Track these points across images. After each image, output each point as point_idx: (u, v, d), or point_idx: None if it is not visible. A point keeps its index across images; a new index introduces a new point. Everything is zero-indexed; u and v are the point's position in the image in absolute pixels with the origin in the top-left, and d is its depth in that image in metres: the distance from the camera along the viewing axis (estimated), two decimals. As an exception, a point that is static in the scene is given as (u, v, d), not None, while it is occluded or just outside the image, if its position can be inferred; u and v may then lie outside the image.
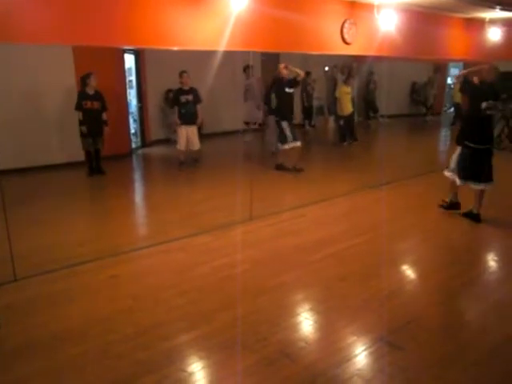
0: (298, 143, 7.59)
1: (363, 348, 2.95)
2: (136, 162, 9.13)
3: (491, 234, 5.14)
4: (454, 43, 7.98)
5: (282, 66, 7.59)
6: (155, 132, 10.41)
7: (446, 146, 10.76)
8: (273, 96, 7.88)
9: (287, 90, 7.50)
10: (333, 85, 12.03)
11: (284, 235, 4.94)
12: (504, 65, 9.52)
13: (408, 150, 10.56)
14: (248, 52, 6.17)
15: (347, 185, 6.95)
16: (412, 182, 7.10)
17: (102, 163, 7.66)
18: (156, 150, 9.96)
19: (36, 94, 7.69)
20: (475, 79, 5.22)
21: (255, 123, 10.18)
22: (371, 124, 13.48)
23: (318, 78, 12.47)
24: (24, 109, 7.52)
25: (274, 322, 3.22)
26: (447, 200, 5.58)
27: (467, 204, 5.34)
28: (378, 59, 10.57)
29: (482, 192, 5.17)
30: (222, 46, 4.72)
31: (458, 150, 5.28)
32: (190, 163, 8.13)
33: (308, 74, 10.47)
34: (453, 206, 5.52)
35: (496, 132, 9.47)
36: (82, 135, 7.36)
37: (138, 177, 8.40)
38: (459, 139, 5.28)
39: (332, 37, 5.99)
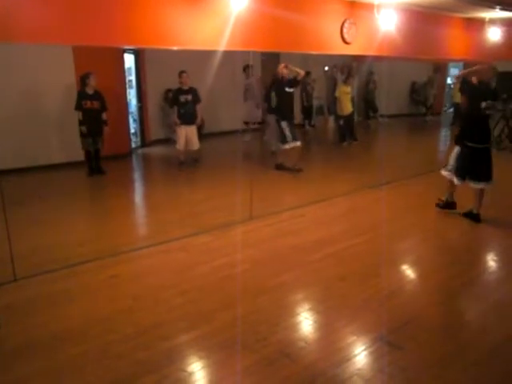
0: (298, 143, 7.59)
1: (363, 348, 2.95)
2: (136, 162, 9.13)
3: (491, 234, 5.14)
4: (453, 43, 7.98)
5: (282, 65, 7.59)
6: (155, 132, 10.41)
7: (445, 146, 10.75)
8: (273, 95, 7.88)
9: (287, 89, 7.50)
10: (332, 84, 12.04)
11: (284, 235, 4.94)
12: (504, 65, 9.53)
13: (408, 150, 10.57)
14: (248, 52, 6.17)
15: (347, 185, 6.95)
16: (412, 182, 7.10)
17: (101, 163, 7.66)
18: (156, 150, 9.96)
19: (36, 94, 7.69)
20: (474, 79, 5.24)
21: (254, 123, 10.18)
22: (371, 124, 13.48)
23: (318, 78, 12.48)
24: (24, 108, 7.52)
25: (274, 322, 3.22)
26: (443, 199, 5.57)
27: (467, 204, 5.34)
28: (377, 59, 10.57)
29: (481, 192, 5.17)
30: (222, 46, 4.72)
31: (456, 149, 5.28)
32: (189, 163, 8.13)
33: (308, 73, 10.47)
34: (449, 205, 5.52)
35: (496, 132, 9.49)
36: (82, 135, 7.36)
37: (137, 177, 8.40)
38: (458, 139, 5.29)
39: (332, 36, 5.99)
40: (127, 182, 7.67)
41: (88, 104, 7.23)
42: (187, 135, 7.85)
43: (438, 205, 5.62)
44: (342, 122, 10.50)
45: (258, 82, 10.23)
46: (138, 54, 9.68)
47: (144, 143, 10.10)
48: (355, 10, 6.09)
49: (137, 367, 2.76)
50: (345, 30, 6.01)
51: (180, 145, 7.89)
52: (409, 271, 4.34)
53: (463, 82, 5.41)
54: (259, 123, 10.37)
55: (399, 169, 7.76)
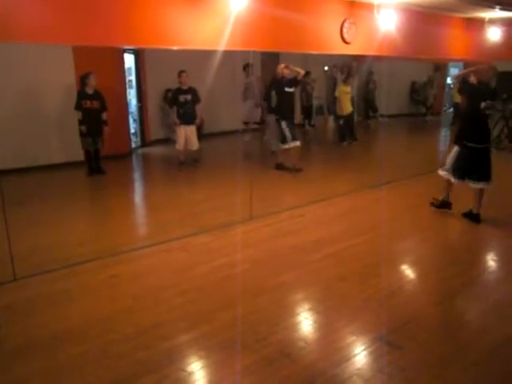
0: (298, 143, 7.59)
1: (363, 348, 2.95)
2: (136, 162, 9.13)
3: (491, 234, 5.14)
4: (453, 43, 7.98)
5: (282, 65, 7.57)
6: (155, 132, 10.41)
7: (445, 146, 10.75)
8: (273, 94, 7.88)
9: (287, 89, 7.50)
10: (332, 84, 12.04)
11: (284, 235, 4.94)
12: (504, 65, 9.53)
13: (408, 150, 10.56)
14: (248, 51, 6.17)
15: (347, 184, 6.95)
16: (412, 182, 7.10)
17: (101, 163, 7.66)
18: (156, 150, 9.95)
19: (36, 94, 7.69)
20: (473, 79, 5.25)
21: (254, 123, 10.18)
22: (371, 124, 13.48)
23: (318, 78, 12.48)
24: (24, 108, 7.52)
25: (274, 322, 3.23)
26: (440, 198, 5.56)
27: (466, 204, 5.34)
28: (377, 59, 10.57)
29: (481, 191, 5.17)
30: (222, 46, 4.72)
31: (455, 149, 5.27)
32: (189, 163, 8.13)
33: (308, 73, 10.47)
34: (444, 205, 5.52)
35: (496, 132, 9.49)
36: (82, 135, 7.36)
37: (137, 176, 8.40)
38: (457, 138, 5.29)
39: (332, 36, 5.99)
40: (127, 181, 7.67)
41: (88, 104, 7.22)
42: (186, 135, 7.85)
43: (432, 204, 5.61)
44: (341, 122, 10.50)
45: (257, 80, 10.23)
46: (138, 54, 9.67)
47: (144, 143, 10.10)
48: (355, 9, 6.09)
49: (137, 367, 2.76)
50: (345, 30, 6.01)
51: (179, 145, 7.89)
52: (409, 271, 4.34)
53: (462, 82, 5.43)
54: (258, 123, 10.36)
55: (399, 169, 7.76)
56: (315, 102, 12.45)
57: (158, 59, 9.38)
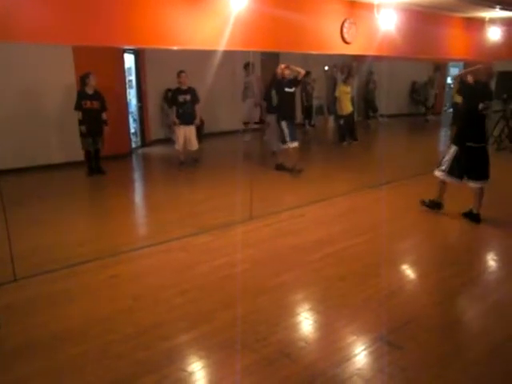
0: (296, 143, 7.57)
1: (363, 347, 2.95)
2: (136, 162, 9.13)
3: (491, 234, 5.14)
4: (453, 43, 7.98)
5: (282, 66, 7.55)
6: (155, 132, 10.42)
7: (445, 146, 10.74)
8: (273, 94, 7.87)
9: (287, 89, 7.49)
10: (332, 84, 12.06)
11: (284, 235, 4.94)
12: (504, 65, 9.54)
13: (408, 150, 10.56)
14: (248, 51, 6.17)
15: (347, 184, 6.95)
16: (412, 182, 7.09)
17: (101, 163, 7.66)
18: (156, 150, 9.96)
19: (36, 94, 7.69)
20: (470, 78, 5.27)
21: (254, 122, 10.18)
22: (371, 124, 13.48)
23: (318, 78, 12.49)
24: (24, 108, 7.52)
25: (274, 322, 3.23)
26: (433, 199, 5.54)
27: (463, 204, 5.33)
28: (377, 59, 10.58)
29: (481, 191, 5.16)
30: (222, 46, 4.72)
31: (453, 148, 5.25)
32: (189, 163, 8.13)
33: (308, 73, 10.47)
34: (435, 205, 5.51)
35: (496, 132, 9.49)
36: (82, 135, 7.36)
37: (137, 176, 8.40)
38: (456, 138, 5.29)
39: (332, 36, 5.99)
40: (127, 181, 7.67)
41: (88, 104, 7.22)
42: (186, 135, 7.84)
43: (423, 202, 5.58)
44: (341, 122, 10.50)
45: (257, 80, 10.23)
46: (138, 54, 9.68)
47: (144, 143, 10.10)
48: (355, 9, 6.10)
49: (137, 367, 2.76)
50: (345, 30, 6.01)
51: (179, 145, 7.88)
52: (409, 271, 4.34)
53: (461, 83, 5.44)
54: (258, 123, 10.36)
55: (399, 169, 7.76)
56: (315, 102, 12.46)
57: (158, 59, 9.38)
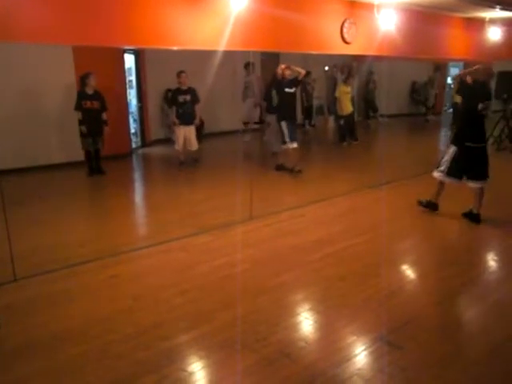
0: (295, 144, 7.56)
1: (363, 348, 2.95)
2: (136, 162, 9.14)
3: (491, 234, 5.14)
4: (453, 43, 7.98)
5: (283, 66, 7.53)
6: (155, 132, 10.42)
7: (445, 146, 10.74)
8: (273, 94, 7.86)
9: (287, 90, 7.48)
10: (333, 84, 12.05)
11: (284, 235, 4.94)
12: (504, 65, 9.55)
13: (408, 150, 10.56)
14: (248, 51, 6.17)
15: (347, 184, 6.95)
16: (412, 182, 7.09)
17: (101, 163, 7.66)
18: (156, 150, 9.96)
19: (36, 94, 7.69)
20: (468, 79, 5.27)
21: (254, 122, 10.18)
22: (371, 124, 13.48)
23: (318, 78, 12.49)
24: (24, 108, 7.52)
25: (274, 322, 3.22)
26: (430, 199, 5.53)
27: (466, 204, 5.33)
28: (377, 59, 10.58)
29: (481, 191, 5.16)
30: (222, 46, 4.72)
31: (453, 149, 5.24)
32: (189, 163, 8.13)
33: (308, 73, 10.47)
34: (431, 205, 5.50)
35: (496, 132, 9.48)
36: (82, 135, 7.36)
37: (138, 177, 8.40)
38: (456, 138, 5.29)
39: (332, 36, 5.99)
40: (127, 181, 7.67)
41: (88, 104, 7.22)
42: (186, 135, 7.85)
43: (421, 203, 5.58)
44: (342, 122, 10.50)
45: (258, 79, 10.22)
46: (138, 54, 9.68)
47: (144, 143, 10.10)
48: (355, 9, 6.10)
49: (137, 367, 2.76)
50: (345, 30, 6.02)
51: (178, 145, 7.88)
52: (409, 271, 4.34)
53: (460, 83, 5.45)
54: (257, 123, 10.35)
55: (399, 169, 7.76)
56: (315, 102, 12.46)
57: (158, 59, 9.38)
